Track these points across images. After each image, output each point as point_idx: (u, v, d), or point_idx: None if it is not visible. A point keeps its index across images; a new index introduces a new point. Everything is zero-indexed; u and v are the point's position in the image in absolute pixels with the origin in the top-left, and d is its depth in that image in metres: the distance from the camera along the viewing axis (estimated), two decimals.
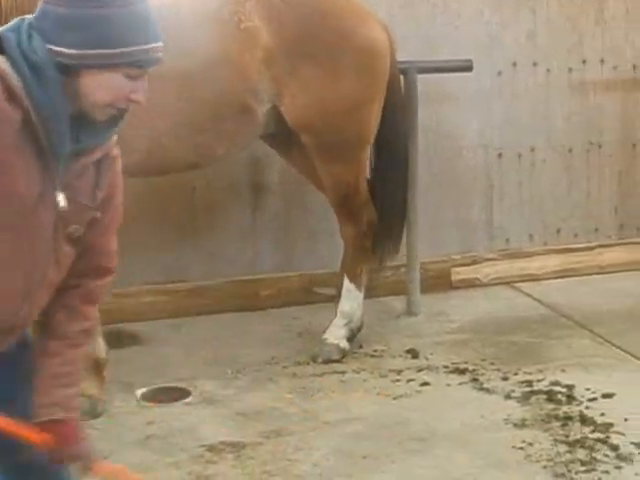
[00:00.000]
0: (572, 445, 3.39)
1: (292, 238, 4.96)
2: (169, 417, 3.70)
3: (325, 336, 4.26)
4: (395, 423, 3.61)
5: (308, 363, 4.17)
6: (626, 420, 3.54)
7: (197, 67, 3.79)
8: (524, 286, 5.14)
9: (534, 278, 5.22)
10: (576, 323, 4.59)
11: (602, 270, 5.32)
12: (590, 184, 5.38)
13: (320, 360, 4.18)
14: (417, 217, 4.67)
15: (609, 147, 5.36)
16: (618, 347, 4.27)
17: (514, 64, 5.15)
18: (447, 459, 3.33)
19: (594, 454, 3.32)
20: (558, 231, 5.34)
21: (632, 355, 4.18)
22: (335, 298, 4.42)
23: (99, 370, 3.77)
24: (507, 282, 5.18)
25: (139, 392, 3.89)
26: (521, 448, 3.38)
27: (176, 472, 3.28)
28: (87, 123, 1.96)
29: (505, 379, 3.97)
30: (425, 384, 3.95)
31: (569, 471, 3.22)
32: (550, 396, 3.79)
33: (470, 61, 4.74)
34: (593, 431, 3.48)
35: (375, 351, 4.31)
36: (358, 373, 4.08)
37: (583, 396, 3.77)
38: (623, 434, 3.44)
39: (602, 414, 3.60)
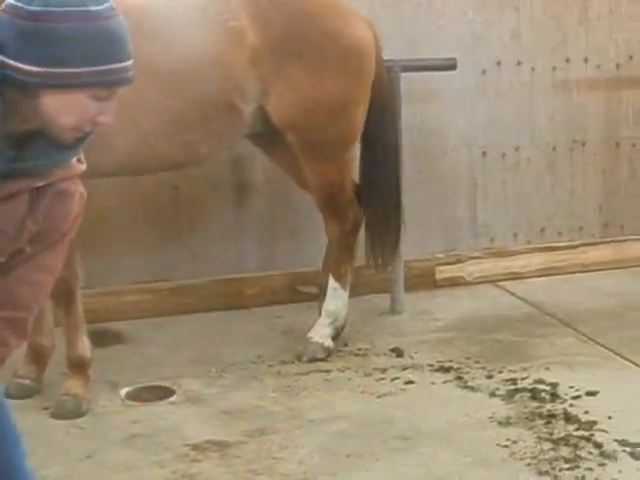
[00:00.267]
0: (556, 443, 3.39)
1: (276, 237, 4.96)
2: (153, 416, 3.68)
3: (310, 335, 4.26)
4: (380, 421, 3.61)
5: (293, 362, 4.17)
6: (610, 418, 3.55)
7: (183, 65, 3.78)
8: (508, 284, 5.16)
9: (518, 276, 5.23)
10: (560, 321, 4.61)
11: (586, 268, 5.34)
12: (574, 183, 5.40)
13: (305, 359, 4.18)
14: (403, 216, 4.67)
15: (593, 146, 5.38)
16: (602, 345, 4.29)
17: (498, 63, 5.17)
18: (431, 457, 3.33)
19: (578, 452, 3.32)
20: (542, 230, 5.36)
21: (616, 353, 4.19)
22: (319, 297, 4.42)
23: (83, 369, 3.76)
24: (491, 281, 5.19)
25: (123, 391, 3.88)
26: (505, 446, 3.38)
27: (160, 471, 3.27)
28: (40, 143, 1.77)
29: (489, 377, 3.98)
30: (410, 382, 3.95)
31: (553, 469, 3.22)
32: (534, 394, 3.79)
33: (454, 60, 4.74)
34: (577, 429, 3.49)
35: (360, 350, 4.31)
36: (343, 372, 4.08)
37: (567, 394, 3.78)
38: (607, 432, 3.45)
39: (586, 412, 3.61)
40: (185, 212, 4.80)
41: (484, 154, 5.22)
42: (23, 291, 1.98)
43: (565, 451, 3.33)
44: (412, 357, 4.21)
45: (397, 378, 3.99)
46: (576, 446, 3.36)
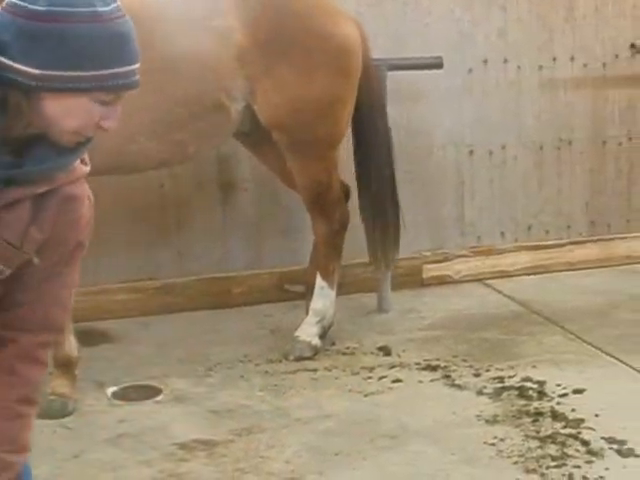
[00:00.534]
0: (543, 441, 3.39)
1: (264, 235, 4.95)
2: (140, 415, 3.67)
3: (297, 334, 4.25)
4: (367, 420, 3.61)
5: (280, 361, 4.17)
6: (597, 416, 3.56)
7: (170, 64, 3.77)
8: (495, 283, 5.17)
9: (505, 275, 5.24)
10: (547, 319, 4.62)
11: (573, 267, 5.35)
12: (561, 181, 5.41)
13: (292, 358, 4.17)
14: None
15: (580, 144, 5.40)
16: (589, 343, 4.30)
17: (485, 61, 5.17)
18: (419, 455, 3.33)
19: (565, 449, 3.33)
20: (529, 228, 5.37)
21: (602, 351, 4.20)
22: (306, 295, 4.42)
23: (70, 368, 3.74)
24: (478, 279, 5.20)
25: (110, 390, 3.87)
26: (492, 444, 3.39)
27: (147, 470, 3.26)
28: (40, 147, 1.70)
29: (477, 375, 3.98)
30: (397, 381, 3.95)
31: (540, 466, 3.22)
32: (521, 392, 3.80)
33: (440, 58, 4.75)
34: (564, 427, 3.49)
35: (347, 348, 4.31)
36: (330, 370, 4.08)
37: (554, 392, 3.79)
38: (594, 429, 3.46)
39: (573, 410, 3.62)
40: (172, 211, 4.79)
41: (471, 153, 5.22)
42: (56, 312, 1.88)
43: (552, 449, 3.33)
44: (399, 356, 4.21)
45: (384, 377, 3.99)
46: (563, 444, 3.37)
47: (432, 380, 3.96)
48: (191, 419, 3.65)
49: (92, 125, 1.68)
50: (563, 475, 3.16)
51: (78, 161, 1.81)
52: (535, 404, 3.69)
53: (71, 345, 3.74)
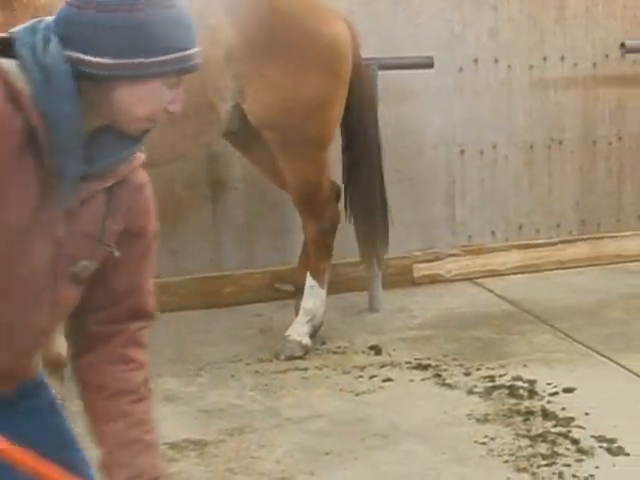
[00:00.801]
0: (534, 439, 3.40)
1: (255, 235, 4.95)
2: None
3: (288, 333, 4.25)
4: (358, 419, 3.61)
5: (271, 360, 4.16)
6: (587, 414, 3.57)
7: None
8: (486, 282, 5.17)
9: (496, 274, 5.25)
10: (538, 318, 4.62)
11: (563, 265, 5.36)
12: (551, 180, 5.42)
13: (283, 357, 4.17)
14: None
15: (570, 144, 5.41)
16: (579, 342, 4.31)
17: (475, 61, 5.18)
18: (410, 455, 3.34)
19: (555, 448, 3.34)
20: (520, 227, 5.38)
21: (593, 350, 4.21)
22: (296, 295, 4.42)
23: (59, 368, 3.73)
24: (469, 278, 5.21)
25: None
26: (483, 443, 3.39)
27: None
28: (106, 140, 1.71)
29: (467, 374, 3.99)
30: (388, 380, 3.95)
31: (531, 465, 3.23)
32: (512, 391, 3.81)
33: (431, 58, 4.75)
34: (555, 425, 3.50)
35: (338, 348, 4.31)
36: (321, 370, 4.08)
37: (545, 391, 3.80)
38: (584, 428, 3.46)
39: (563, 409, 3.63)
40: (163, 210, 4.75)
41: (462, 152, 5.23)
42: (148, 299, 1.92)
43: (543, 447, 3.34)
44: (390, 355, 4.21)
45: (375, 376, 3.99)
46: (554, 442, 3.37)
47: (423, 379, 3.96)
48: (181, 419, 3.64)
49: (161, 110, 1.71)
50: (553, 474, 3.17)
51: None
52: (526, 403, 3.70)
53: (60, 345, 3.72)
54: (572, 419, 3.54)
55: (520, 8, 5.22)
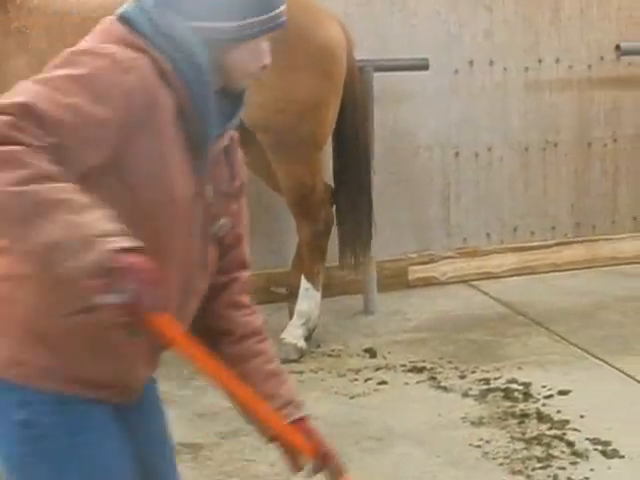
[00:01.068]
0: (529, 442, 3.40)
1: (250, 237, 4.92)
2: None
3: (283, 336, 4.24)
4: (353, 422, 3.60)
5: None
6: (582, 417, 3.57)
7: None
8: (481, 284, 5.17)
9: (491, 276, 5.24)
10: (533, 321, 4.62)
11: (558, 268, 5.36)
12: (546, 182, 5.42)
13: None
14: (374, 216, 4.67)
15: (565, 146, 5.41)
16: (574, 344, 4.30)
17: (471, 63, 5.17)
18: (405, 458, 3.33)
19: (550, 451, 3.34)
20: (515, 229, 5.38)
21: (588, 352, 4.21)
22: (290, 298, 4.41)
23: None
24: (464, 280, 5.20)
25: None
26: (478, 446, 3.39)
27: None
28: (225, 101, 1.80)
29: (462, 377, 3.98)
30: (383, 383, 3.94)
31: (526, 468, 3.23)
32: (507, 394, 3.80)
33: (426, 60, 4.75)
34: (550, 428, 3.50)
35: (333, 350, 4.30)
36: (316, 373, 4.07)
37: (540, 393, 3.79)
38: (579, 430, 3.46)
39: (558, 411, 3.63)
40: None
41: (457, 154, 5.23)
42: (248, 252, 2.04)
43: (538, 450, 3.34)
44: (385, 357, 4.20)
45: (370, 379, 3.99)
46: (548, 445, 3.37)
47: (418, 382, 3.96)
48: (176, 422, 3.59)
49: (262, 64, 1.84)
50: (548, 476, 3.17)
51: None
52: (521, 406, 3.70)
53: None
54: (567, 422, 3.53)
55: (515, 9, 5.22)
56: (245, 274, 2.02)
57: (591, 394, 3.77)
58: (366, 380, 3.98)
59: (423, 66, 4.75)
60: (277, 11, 1.80)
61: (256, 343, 1.95)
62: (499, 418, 3.60)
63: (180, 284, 1.78)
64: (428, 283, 5.15)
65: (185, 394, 3.87)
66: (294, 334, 4.24)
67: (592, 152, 5.46)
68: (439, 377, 3.98)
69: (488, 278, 5.23)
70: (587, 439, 3.40)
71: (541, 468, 3.22)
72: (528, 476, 3.18)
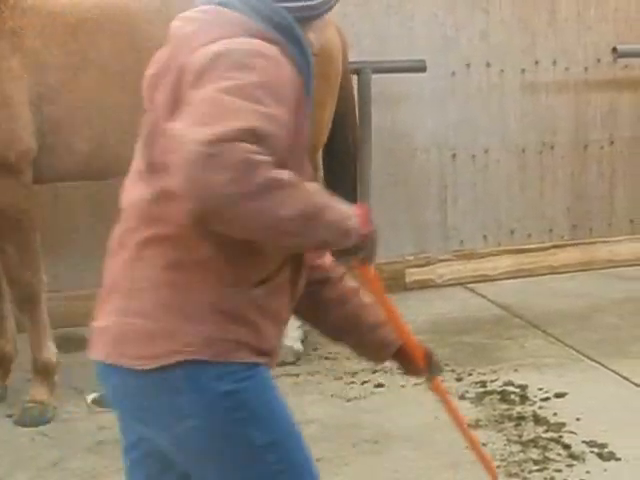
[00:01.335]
0: (525, 445, 3.40)
1: None
2: None
3: None
4: (349, 425, 3.60)
5: None
6: (578, 419, 3.56)
7: (143, 65, 3.72)
8: (478, 287, 5.17)
9: (488, 279, 5.24)
10: (529, 323, 4.62)
11: (555, 270, 5.36)
12: (543, 185, 5.42)
13: None
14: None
15: (562, 148, 5.41)
16: (570, 347, 4.30)
17: (468, 65, 5.18)
18: (401, 460, 3.33)
19: (547, 453, 3.33)
20: (512, 232, 5.37)
21: (584, 355, 4.21)
22: None
23: (49, 375, 3.71)
24: (461, 283, 5.20)
25: (90, 397, 3.83)
26: None
27: None
28: None
29: (459, 380, 3.98)
30: (379, 386, 3.94)
31: (522, 470, 3.23)
32: (503, 396, 3.80)
33: (423, 61, 4.75)
34: (546, 431, 3.50)
35: (330, 353, 4.29)
36: (312, 375, 4.06)
37: (536, 396, 3.79)
38: (575, 433, 3.46)
39: (555, 414, 3.62)
40: None
41: (454, 156, 5.22)
42: None
43: (534, 453, 3.33)
44: None
45: (367, 381, 3.98)
46: (545, 448, 3.37)
47: (414, 384, 3.94)
48: None
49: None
50: (545, 479, 3.17)
51: None
52: (517, 408, 3.69)
53: (50, 351, 3.70)
54: (563, 424, 3.53)
55: (512, 11, 5.23)
56: None
57: (587, 397, 3.76)
58: (363, 383, 3.97)
59: (420, 68, 4.75)
60: None
61: (347, 281, 2.09)
62: (495, 421, 3.60)
63: None
64: (425, 285, 5.15)
65: None
66: (290, 337, 4.23)
67: (589, 154, 5.46)
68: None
69: (485, 280, 5.22)
70: (583, 441, 3.39)
71: (537, 471, 3.22)
72: (524, 479, 3.18)
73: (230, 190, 1.57)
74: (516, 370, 4.04)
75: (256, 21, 1.76)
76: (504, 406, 3.72)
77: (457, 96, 5.18)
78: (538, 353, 4.24)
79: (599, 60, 5.38)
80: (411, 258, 5.16)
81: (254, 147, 1.60)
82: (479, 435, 3.47)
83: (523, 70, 5.28)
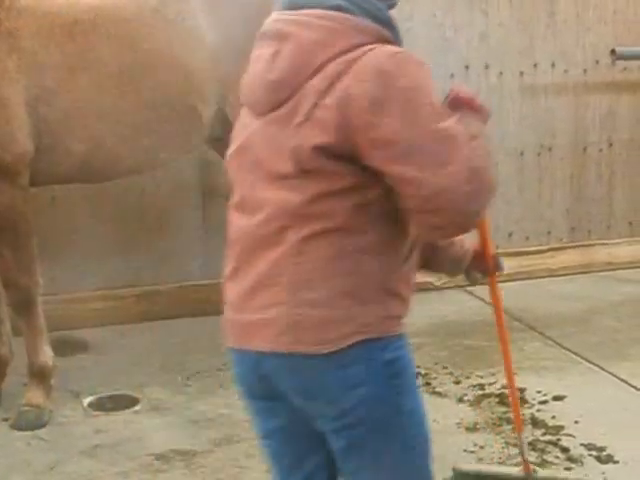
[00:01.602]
0: None
1: None
2: (117, 425, 3.63)
3: None
4: None
5: None
6: (576, 422, 3.55)
7: (140, 65, 3.72)
8: (476, 289, 5.14)
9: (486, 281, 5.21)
10: (528, 326, 4.61)
11: (554, 273, 5.35)
12: (542, 187, 5.41)
13: None
14: None
15: (560, 150, 5.40)
16: (569, 350, 4.29)
17: (466, 67, 5.17)
18: None
19: (545, 456, 3.32)
20: (510, 234, 5.36)
21: (582, 357, 4.20)
22: None
23: (45, 379, 3.70)
24: (460, 286, 5.18)
25: (86, 400, 3.82)
26: (473, 452, 3.38)
27: None
28: None
29: (457, 383, 3.97)
30: None
31: None
32: (502, 399, 3.79)
33: None
34: (544, 434, 3.49)
35: None
36: None
37: (534, 399, 3.78)
38: (573, 436, 3.45)
39: (553, 417, 3.61)
40: (151, 218, 4.75)
41: None
42: None
43: (532, 456, 3.31)
44: None
45: None
46: (543, 451, 3.36)
47: None
48: (169, 429, 3.61)
49: None
50: None
51: None
52: None
53: (46, 355, 3.69)
54: (562, 427, 3.52)
55: (511, 13, 5.22)
56: None
57: (586, 399, 3.75)
58: None
59: None
60: None
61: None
62: (494, 424, 3.58)
63: None
64: (424, 288, 5.12)
65: (178, 401, 3.85)
66: None
67: (587, 157, 5.45)
68: (434, 382, 3.97)
69: (483, 283, 5.20)
70: (582, 444, 3.38)
71: None
72: None
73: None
74: (514, 373, 4.00)
75: (371, 22, 1.92)
76: (502, 409, 3.70)
77: None
78: (537, 356, 4.23)
79: (598, 62, 5.37)
80: None
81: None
82: (477, 438, 3.46)
83: (522, 72, 5.27)
